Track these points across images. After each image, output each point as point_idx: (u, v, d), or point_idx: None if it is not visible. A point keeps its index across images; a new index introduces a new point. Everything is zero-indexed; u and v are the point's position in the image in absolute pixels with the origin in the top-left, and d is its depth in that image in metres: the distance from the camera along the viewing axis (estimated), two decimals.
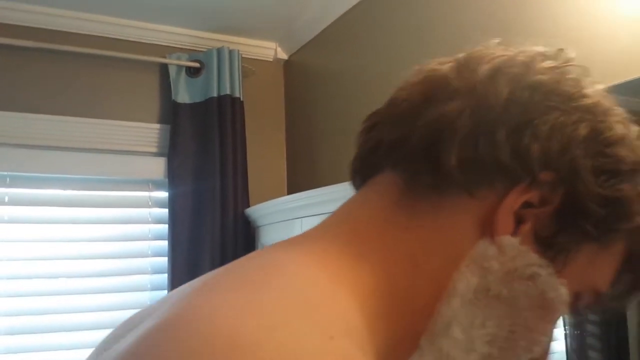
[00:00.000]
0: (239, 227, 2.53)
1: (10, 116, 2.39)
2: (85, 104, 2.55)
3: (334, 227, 0.49)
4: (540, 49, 0.51)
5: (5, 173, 2.37)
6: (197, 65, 2.70)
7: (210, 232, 2.49)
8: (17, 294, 2.33)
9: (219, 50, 2.68)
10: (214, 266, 2.43)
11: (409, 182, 0.47)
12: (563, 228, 0.46)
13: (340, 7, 2.48)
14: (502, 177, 0.45)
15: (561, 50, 0.51)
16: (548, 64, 0.49)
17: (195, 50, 2.78)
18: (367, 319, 0.40)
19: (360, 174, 0.54)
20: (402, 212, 0.47)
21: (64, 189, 2.50)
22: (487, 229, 0.45)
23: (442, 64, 0.54)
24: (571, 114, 0.46)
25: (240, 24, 2.76)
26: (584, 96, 0.48)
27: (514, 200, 0.45)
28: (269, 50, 2.98)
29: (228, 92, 2.64)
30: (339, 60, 2.57)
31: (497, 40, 0.54)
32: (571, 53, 0.51)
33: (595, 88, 0.49)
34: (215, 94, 2.62)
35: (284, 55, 3.00)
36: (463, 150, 0.45)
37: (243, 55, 2.80)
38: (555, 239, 0.46)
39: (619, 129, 0.48)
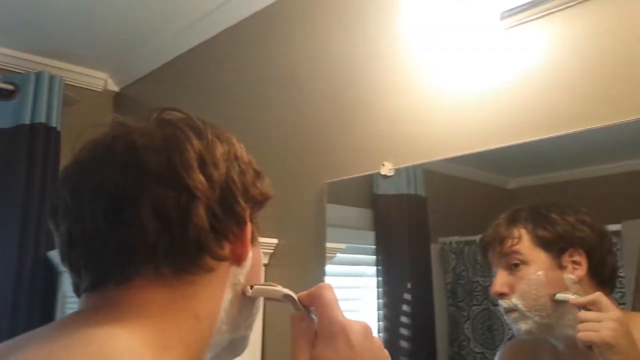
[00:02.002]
0: (39, 272, 2.24)
1: None
2: None
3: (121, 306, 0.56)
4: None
5: None
6: (10, 87, 2.41)
7: (2, 276, 2.17)
8: None
9: (38, 75, 2.44)
10: (5, 315, 2.14)
11: (179, 271, 0.58)
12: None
13: (178, 48, 2.40)
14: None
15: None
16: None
17: (11, 71, 2.50)
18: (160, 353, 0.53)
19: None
20: (177, 289, 0.58)
21: None
22: (235, 261, 0.62)
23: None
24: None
25: (68, 50, 2.54)
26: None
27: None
28: (99, 80, 2.79)
29: (43, 120, 2.39)
30: (172, 98, 2.47)
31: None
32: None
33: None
34: (27, 121, 2.36)
35: (114, 87, 2.82)
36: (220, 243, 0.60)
37: (68, 83, 2.59)
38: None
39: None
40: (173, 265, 0.57)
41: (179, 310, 0.57)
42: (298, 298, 0.63)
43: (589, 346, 0.83)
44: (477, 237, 1.26)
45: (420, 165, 1.42)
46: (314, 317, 0.61)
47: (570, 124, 1.16)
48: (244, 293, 0.64)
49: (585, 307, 0.86)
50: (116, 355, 0.49)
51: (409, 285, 1.48)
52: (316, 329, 0.60)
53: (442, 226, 1.40)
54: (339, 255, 1.60)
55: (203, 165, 0.58)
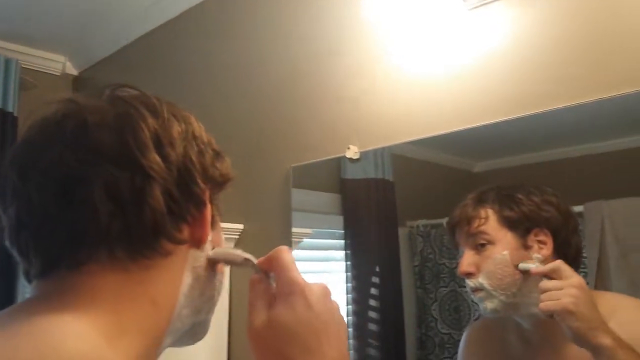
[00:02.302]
0: None
1: None
2: None
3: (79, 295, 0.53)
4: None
5: None
6: None
7: None
8: None
9: None
10: None
11: (135, 255, 0.55)
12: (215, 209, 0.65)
13: (139, 29, 2.34)
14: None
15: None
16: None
17: None
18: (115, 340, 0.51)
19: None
20: (132, 273, 0.56)
21: None
22: (194, 244, 0.60)
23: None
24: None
25: (24, 32, 2.45)
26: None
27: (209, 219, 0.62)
28: (57, 63, 2.70)
29: None
30: (133, 81, 2.31)
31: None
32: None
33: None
34: None
35: (73, 71, 2.74)
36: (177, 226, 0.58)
37: (25, 66, 2.50)
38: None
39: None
40: (128, 249, 0.54)
41: (134, 296, 0.55)
42: (257, 262, 0.62)
43: (551, 315, 0.84)
44: (444, 221, 1.27)
45: (387, 149, 1.42)
46: (272, 281, 0.61)
47: (533, 105, 1.17)
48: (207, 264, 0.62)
49: (546, 275, 0.88)
50: (66, 343, 0.47)
51: (377, 269, 1.49)
52: (274, 291, 0.59)
53: (409, 210, 1.41)
54: (306, 240, 1.59)
55: (159, 145, 0.56)
